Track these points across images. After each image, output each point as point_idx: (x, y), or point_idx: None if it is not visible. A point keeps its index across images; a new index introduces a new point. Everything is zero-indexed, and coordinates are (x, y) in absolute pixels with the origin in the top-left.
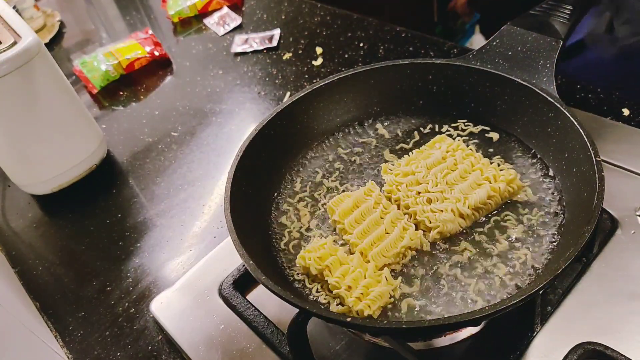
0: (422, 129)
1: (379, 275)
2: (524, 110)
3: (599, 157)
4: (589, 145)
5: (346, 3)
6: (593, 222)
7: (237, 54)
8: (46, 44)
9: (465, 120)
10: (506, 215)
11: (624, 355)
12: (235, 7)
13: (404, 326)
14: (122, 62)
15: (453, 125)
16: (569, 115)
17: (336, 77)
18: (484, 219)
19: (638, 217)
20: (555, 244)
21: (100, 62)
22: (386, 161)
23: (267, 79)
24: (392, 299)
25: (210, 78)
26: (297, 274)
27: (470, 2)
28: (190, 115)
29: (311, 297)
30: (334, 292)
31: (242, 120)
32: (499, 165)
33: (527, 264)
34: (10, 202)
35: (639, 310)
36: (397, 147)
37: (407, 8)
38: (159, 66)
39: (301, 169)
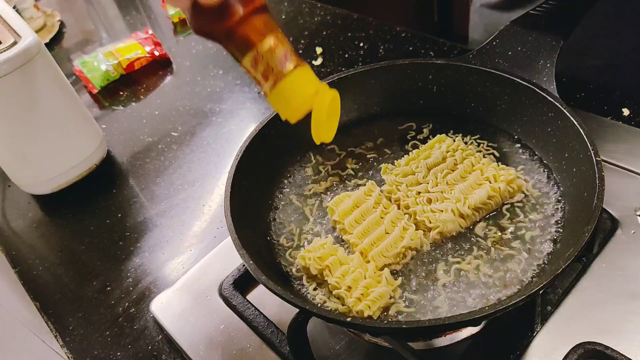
0: (422, 129)
1: (379, 275)
2: (524, 110)
3: (599, 157)
4: (589, 145)
5: (346, 3)
6: (593, 222)
7: None
8: (46, 44)
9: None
10: (506, 215)
11: (624, 355)
12: None
13: (404, 326)
14: (122, 62)
15: (454, 135)
16: (569, 115)
17: (336, 77)
18: (483, 219)
19: (638, 217)
20: (555, 244)
21: (100, 62)
22: (386, 161)
23: None
24: (392, 299)
25: (210, 78)
26: (297, 273)
27: None
28: (190, 115)
29: (311, 297)
30: (334, 292)
31: (242, 120)
32: (498, 165)
33: (526, 264)
34: (10, 202)
35: (639, 310)
36: (397, 147)
37: (407, 8)
38: (159, 66)
39: (301, 169)
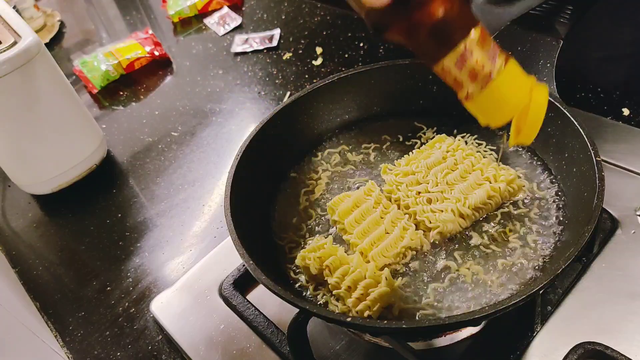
0: (422, 129)
1: (379, 275)
2: None
3: (599, 157)
4: (589, 145)
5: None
6: (593, 222)
7: (237, 54)
8: (46, 44)
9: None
10: (506, 215)
11: (624, 355)
12: (235, 7)
13: (404, 326)
14: (122, 62)
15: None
16: (569, 115)
17: (336, 77)
18: (484, 219)
19: (638, 217)
20: (555, 244)
21: (100, 62)
22: (386, 161)
23: (267, 79)
24: (392, 299)
25: (210, 78)
26: (297, 273)
27: None
28: (190, 115)
29: (311, 297)
30: (334, 292)
31: (242, 120)
32: (499, 165)
33: (527, 264)
34: (10, 202)
35: (639, 310)
36: (397, 147)
37: None
38: (159, 66)
39: (301, 169)
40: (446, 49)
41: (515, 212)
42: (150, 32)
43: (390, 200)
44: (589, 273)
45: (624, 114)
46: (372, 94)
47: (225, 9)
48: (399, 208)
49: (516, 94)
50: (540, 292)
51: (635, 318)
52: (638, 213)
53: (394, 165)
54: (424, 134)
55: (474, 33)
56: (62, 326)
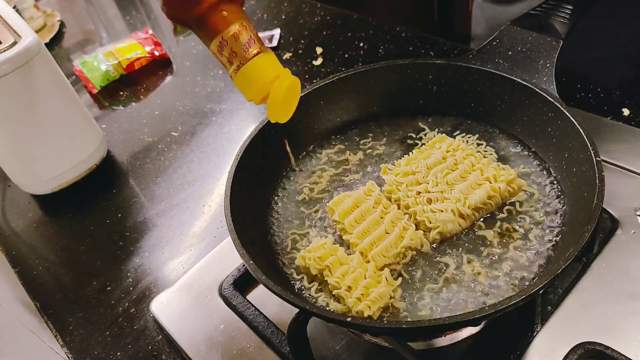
0: (422, 129)
1: (379, 275)
2: (524, 110)
3: (599, 157)
4: (589, 145)
5: (346, 3)
6: (593, 222)
7: None
8: (46, 44)
9: (465, 134)
10: (506, 215)
11: (624, 355)
12: None
13: (404, 326)
14: (122, 62)
15: (455, 134)
16: (569, 115)
17: (336, 77)
18: (484, 219)
19: (638, 217)
20: (555, 244)
21: (100, 62)
22: (386, 161)
23: None
24: (392, 299)
25: (210, 78)
26: (297, 274)
27: None
28: (190, 115)
29: (311, 297)
30: (334, 292)
31: (242, 120)
32: (499, 165)
33: (527, 263)
34: (10, 202)
35: (639, 310)
36: (397, 147)
37: (407, 8)
38: (159, 66)
39: (301, 168)
40: (210, 38)
41: (515, 212)
42: (150, 32)
43: (390, 200)
44: (589, 273)
45: (624, 114)
46: (372, 94)
47: None
48: (399, 208)
49: (259, 80)
50: (540, 292)
51: (635, 318)
52: (638, 213)
53: (394, 165)
54: (425, 134)
55: (231, 28)
56: (62, 326)
